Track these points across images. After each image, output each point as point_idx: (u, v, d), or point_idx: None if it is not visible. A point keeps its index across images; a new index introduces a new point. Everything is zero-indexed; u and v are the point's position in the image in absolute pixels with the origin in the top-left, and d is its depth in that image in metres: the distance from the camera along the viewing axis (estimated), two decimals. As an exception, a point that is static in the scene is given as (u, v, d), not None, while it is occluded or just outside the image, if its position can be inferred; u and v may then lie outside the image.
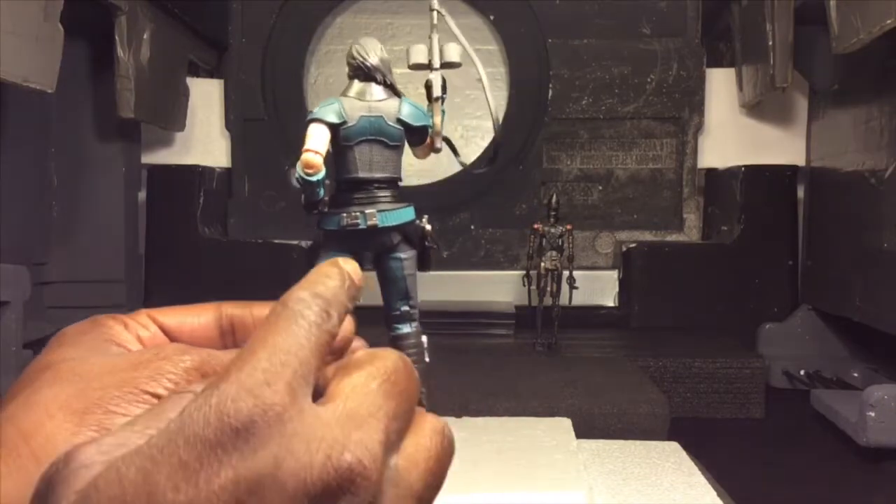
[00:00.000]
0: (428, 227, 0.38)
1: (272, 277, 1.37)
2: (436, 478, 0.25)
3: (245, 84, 1.59)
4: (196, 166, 1.52)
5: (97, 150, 1.32)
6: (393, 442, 0.24)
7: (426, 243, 0.39)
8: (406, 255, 0.39)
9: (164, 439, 0.21)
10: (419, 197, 1.65)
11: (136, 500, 0.20)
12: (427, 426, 0.26)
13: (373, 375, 0.24)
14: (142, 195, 1.45)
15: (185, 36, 1.42)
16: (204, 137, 1.57)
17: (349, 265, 0.28)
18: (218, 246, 1.50)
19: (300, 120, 0.41)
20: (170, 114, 1.41)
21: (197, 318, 0.33)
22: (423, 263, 0.40)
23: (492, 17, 1.60)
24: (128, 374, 0.28)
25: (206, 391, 0.22)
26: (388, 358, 0.26)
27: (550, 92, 1.59)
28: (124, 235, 1.35)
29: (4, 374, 0.91)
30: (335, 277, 0.26)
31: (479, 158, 1.53)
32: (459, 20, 1.58)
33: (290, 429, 0.22)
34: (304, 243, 1.44)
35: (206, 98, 1.56)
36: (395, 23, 1.65)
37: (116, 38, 1.16)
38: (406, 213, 0.38)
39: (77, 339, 0.31)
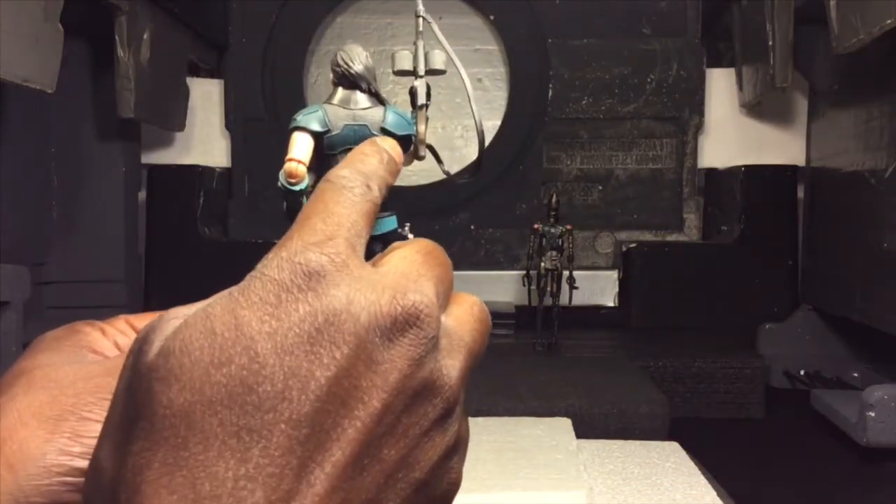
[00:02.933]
0: (410, 235, 0.38)
1: (272, 277, 1.36)
2: (483, 337, 0.28)
3: (245, 84, 1.59)
4: (196, 166, 1.52)
5: (97, 150, 1.32)
6: (441, 303, 0.26)
7: None
8: None
9: (242, 286, 0.23)
10: (419, 197, 1.64)
11: (225, 331, 0.22)
12: (467, 298, 0.28)
13: (416, 250, 0.27)
14: (142, 195, 1.45)
15: (185, 36, 1.42)
16: (204, 137, 1.57)
17: (386, 143, 0.30)
18: (218, 246, 1.50)
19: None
20: (170, 114, 1.41)
21: None
22: None
23: (492, 17, 1.60)
24: (102, 380, 0.29)
25: (272, 251, 0.24)
26: (426, 240, 0.28)
27: (550, 92, 1.59)
28: (124, 235, 1.35)
29: (5, 373, 0.91)
30: (373, 154, 0.29)
31: (464, 168, 1.52)
32: (459, 20, 1.56)
33: (356, 274, 0.24)
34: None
35: (206, 98, 1.56)
36: (395, 23, 1.65)
37: (116, 38, 1.16)
38: (388, 223, 0.38)
39: (53, 346, 0.32)
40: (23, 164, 1.20)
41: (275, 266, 0.23)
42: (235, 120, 1.58)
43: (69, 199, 1.30)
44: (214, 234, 1.54)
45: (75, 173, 1.30)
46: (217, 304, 0.23)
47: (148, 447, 0.21)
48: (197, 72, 1.57)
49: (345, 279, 0.23)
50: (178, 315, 0.24)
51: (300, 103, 1.59)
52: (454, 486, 0.26)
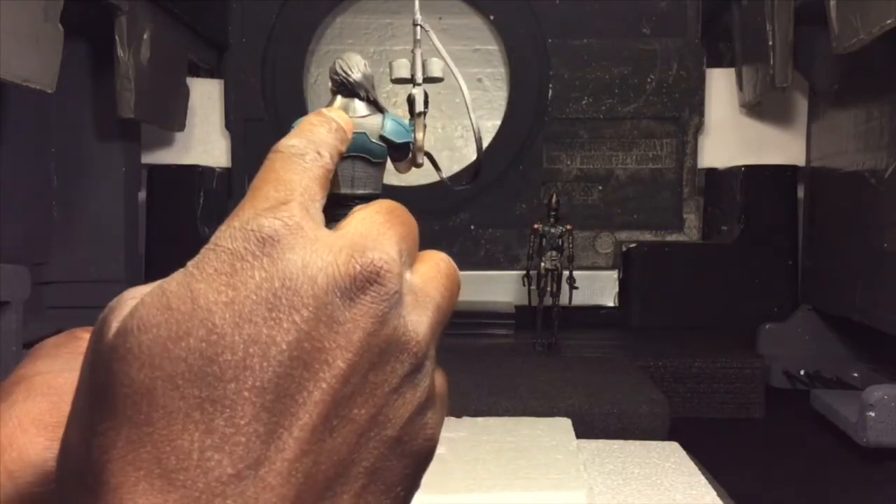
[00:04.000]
0: None
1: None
2: (451, 293, 0.27)
3: (245, 84, 1.59)
4: (196, 166, 1.52)
5: (97, 150, 1.32)
6: (405, 261, 0.25)
7: None
8: None
9: (197, 259, 0.23)
10: (419, 197, 1.64)
11: (181, 305, 0.22)
12: (434, 255, 0.28)
13: (376, 210, 0.26)
14: (142, 195, 1.45)
15: (185, 36, 1.42)
16: (204, 137, 1.57)
17: (333, 112, 0.30)
18: (218, 246, 1.50)
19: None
20: (170, 114, 1.41)
21: None
22: None
23: (492, 17, 1.60)
24: None
25: (225, 222, 0.24)
26: (388, 200, 0.27)
27: (550, 92, 1.59)
28: (124, 235, 1.35)
29: (4, 375, 0.91)
30: (320, 124, 0.29)
31: (462, 175, 1.52)
32: (459, 20, 1.56)
33: (312, 236, 0.23)
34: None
35: (206, 98, 1.56)
36: (395, 23, 1.65)
37: (116, 38, 1.16)
38: None
39: (53, 353, 0.32)
40: (23, 164, 1.20)
41: (227, 236, 0.23)
42: (235, 120, 1.58)
43: (69, 199, 1.30)
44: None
45: (75, 173, 1.30)
46: (173, 279, 0.23)
47: (112, 427, 0.21)
48: (197, 72, 1.57)
49: (300, 242, 0.23)
50: (136, 294, 0.23)
51: (300, 103, 1.59)
52: (431, 442, 0.26)
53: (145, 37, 1.23)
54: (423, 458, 0.25)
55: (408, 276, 0.25)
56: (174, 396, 0.21)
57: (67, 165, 1.30)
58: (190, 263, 0.23)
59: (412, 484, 0.25)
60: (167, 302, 0.22)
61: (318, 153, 0.27)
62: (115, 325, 0.23)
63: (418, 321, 0.25)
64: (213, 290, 0.22)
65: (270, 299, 0.22)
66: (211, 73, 1.60)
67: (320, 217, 0.25)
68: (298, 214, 0.24)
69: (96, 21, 1.18)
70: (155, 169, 1.50)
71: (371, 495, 0.24)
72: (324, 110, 0.30)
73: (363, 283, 0.23)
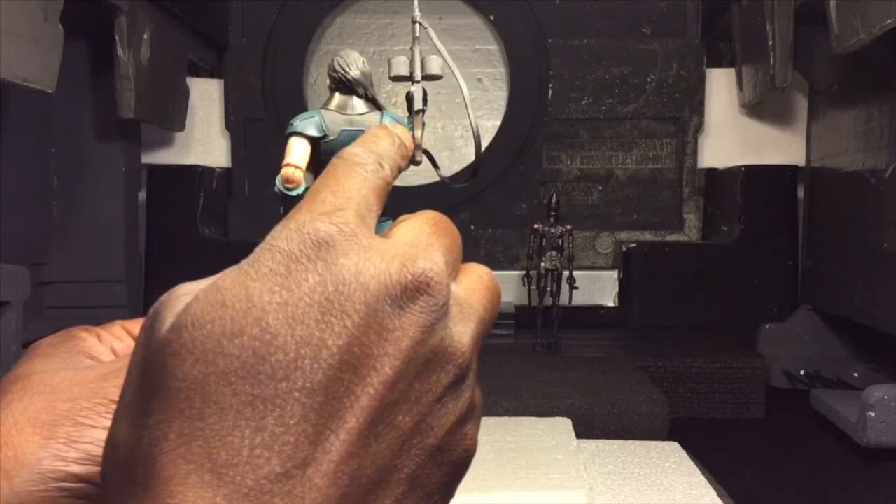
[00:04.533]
0: None
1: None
2: (493, 305, 0.27)
3: (245, 84, 1.59)
4: (196, 166, 1.52)
5: (97, 150, 1.32)
6: (450, 273, 0.26)
7: None
8: None
9: (252, 258, 0.23)
10: (419, 197, 1.65)
11: (235, 303, 0.22)
12: (477, 268, 0.28)
13: (424, 221, 0.27)
14: (142, 195, 1.45)
15: (185, 36, 1.42)
16: (204, 137, 1.57)
17: (398, 128, 0.31)
18: (218, 246, 1.50)
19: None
20: (170, 114, 1.41)
21: None
22: None
23: (492, 17, 1.60)
24: (97, 385, 0.29)
25: (281, 223, 0.24)
26: (433, 211, 0.28)
27: (550, 92, 1.59)
28: (124, 235, 1.35)
29: (4, 375, 0.91)
30: (385, 137, 0.29)
31: (461, 172, 1.52)
32: (459, 20, 1.56)
33: (365, 243, 0.24)
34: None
35: (206, 98, 1.56)
36: (395, 23, 1.65)
37: (116, 38, 1.16)
38: (383, 227, 0.38)
39: (49, 352, 0.32)
40: (23, 164, 1.20)
41: (283, 237, 0.23)
42: (235, 120, 1.58)
43: (69, 199, 1.30)
44: (214, 234, 1.54)
45: (75, 173, 1.30)
46: (227, 277, 0.23)
47: (164, 420, 0.22)
48: (197, 72, 1.57)
49: (353, 248, 0.23)
50: (188, 291, 0.24)
51: (300, 103, 1.59)
52: (469, 453, 0.26)
53: (145, 37, 1.23)
54: (460, 467, 0.26)
55: (453, 287, 0.26)
56: (227, 392, 0.22)
57: (67, 165, 1.30)
58: (244, 262, 0.23)
59: (448, 492, 0.26)
60: (222, 299, 0.22)
61: (380, 165, 0.27)
62: (168, 320, 0.23)
63: (463, 332, 0.25)
64: (268, 290, 0.22)
65: (323, 303, 0.22)
66: (211, 73, 1.60)
67: (374, 227, 0.26)
68: (354, 221, 0.24)
69: (96, 21, 1.18)
70: (155, 169, 1.50)
71: (410, 501, 0.24)
72: (388, 125, 0.31)
73: (413, 292, 0.23)
